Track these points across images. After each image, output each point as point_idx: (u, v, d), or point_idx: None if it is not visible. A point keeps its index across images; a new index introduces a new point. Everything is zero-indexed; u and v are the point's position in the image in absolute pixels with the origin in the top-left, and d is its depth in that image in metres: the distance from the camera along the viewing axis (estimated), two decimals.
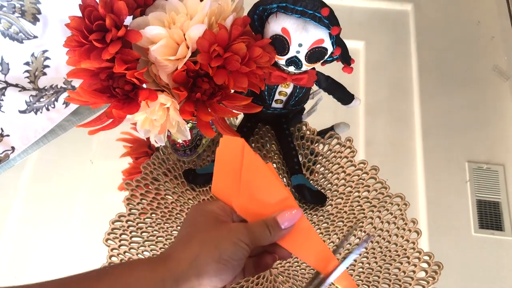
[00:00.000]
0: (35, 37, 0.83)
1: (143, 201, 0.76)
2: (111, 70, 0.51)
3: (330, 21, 0.55)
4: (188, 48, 0.53)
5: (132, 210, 0.75)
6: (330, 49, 0.59)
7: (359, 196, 0.75)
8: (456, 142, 1.73)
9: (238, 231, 0.39)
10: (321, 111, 0.85)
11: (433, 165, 1.69)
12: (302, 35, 0.56)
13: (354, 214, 0.74)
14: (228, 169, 0.44)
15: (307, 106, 0.79)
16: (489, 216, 1.62)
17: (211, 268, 0.35)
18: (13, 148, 0.82)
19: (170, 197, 0.76)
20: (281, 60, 0.61)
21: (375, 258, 0.72)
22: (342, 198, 0.76)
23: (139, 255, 0.73)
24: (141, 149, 0.93)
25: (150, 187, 0.76)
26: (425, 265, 0.71)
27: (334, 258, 0.44)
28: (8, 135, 0.82)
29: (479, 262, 1.55)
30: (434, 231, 1.57)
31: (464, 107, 1.79)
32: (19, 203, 1.59)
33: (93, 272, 0.34)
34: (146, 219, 0.75)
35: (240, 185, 0.43)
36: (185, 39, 0.52)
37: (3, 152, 0.81)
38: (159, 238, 0.74)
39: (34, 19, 0.81)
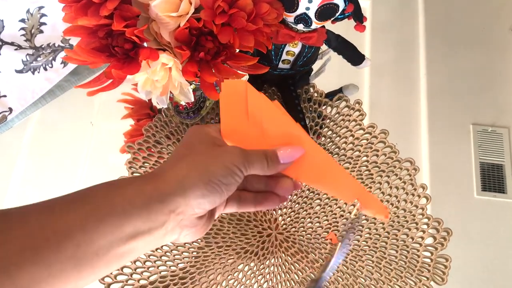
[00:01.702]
0: None
1: (145, 164, 0.74)
2: (109, 28, 0.49)
3: None
4: (191, 3, 0.50)
5: (134, 174, 0.74)
6: (341, 5, 0.56)
7: (367, 161, 0.73)
8: (462, 104, 1.71)
9: (233, 154, 0.37)
10: (325, 72, 0.82)
11: (438, 127, 1.68)
12: None
13: (362, 179, 0.73)
14: (235, 113, 0.42)
15: (315, 67, 0.76)
16: (491, 179, 1.62)
17: (198, 189, 0.34)
18: (10, 109, 0.79)
19: None
20: (290, 18, 0.58)
21: (383, 223, 0.71)
22: (350, 163, 0.74)
23: None
24: (142, 111, 0.91)
25: (152, 150, 0.74)
26: (433, 231, 0.70)
27: (358, 184, 0.43)
28: (5, 96, 0.79)
29: (480, 225, 1.56)
30: (437, 193, 1.57)
31: (471, 68, 1.76)
32: (22, 163, 1.59)
33: (78, 193, 0.33)
34: None
35: (248, 126, 0.42)
36: None
37: (0, 113, 0.79)
38: None
39: None
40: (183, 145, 0.39)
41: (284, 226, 0.71)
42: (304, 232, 0.71)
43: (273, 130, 0.42)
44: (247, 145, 0.40)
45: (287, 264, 0.69)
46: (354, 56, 0.69)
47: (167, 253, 0.69)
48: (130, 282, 0.68)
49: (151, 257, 0.69)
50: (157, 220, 0.33)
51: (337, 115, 0.76)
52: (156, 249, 0.69)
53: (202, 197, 0.34)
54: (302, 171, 0.42)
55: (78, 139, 1.63)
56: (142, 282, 0.68)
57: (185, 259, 0.69)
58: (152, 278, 0.68)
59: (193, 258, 0.69)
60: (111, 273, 0.67)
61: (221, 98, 0.43)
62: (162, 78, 0.54)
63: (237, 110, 0.42)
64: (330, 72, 0.83)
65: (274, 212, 0.71)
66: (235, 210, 0.43)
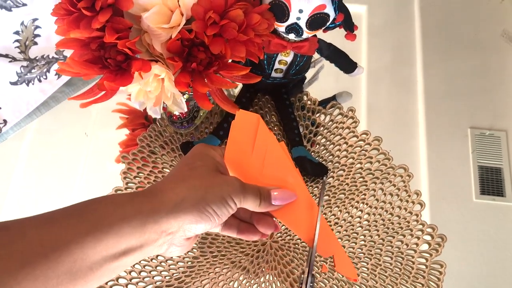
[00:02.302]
0: (24, 4, 0.79)
1: (140, 174, 0.74)
2: (102, 40, 0.49)
3: None
4: (182, 15, 0.50)
5: (129, 184, 0.74)
6: (332, 15, 0.56)
7: (361, 168, 0.74)
8: (459, 108, 1.71)
9: (233, 186, 0.38)
10: (322, 79, 0.82)
11: (435, 131, 1.68)
12: (303, 1, 0.53)
13: (356, 186, 0.73)
14: (242, 143, 0.44)
15: (308, 75, 0.77)
16: (490, 182, 1.62)
17: (191, 215, 0.35)
18: (5, 121, 0.80)
19: (167, 171, 0.74)
20: (281, 27, 0.58)
21: (377, 230, 0.71)
22: (344, 170, 0.74)
23: None
24: (137, 121, 0.91)
25: (147, 160, 0.75)
26: (428, 238, 0.70)
27: (338, 243, 0.45)
28: None
29: (479, 228, 1.56)
30: (435, 197, 1.57)
31: (468, 72, 1.76)
32: (19, 173, 1.59)
33: (77, 207, 0.34)
34: None
35: (251, 159, 0.43)
36: (179, 5, 0.50)
37: None
38: None
39: None
40: (186, 165, 0.40)
41: (279, 234, 0.71)
42: (299, 240, 0.71)
43: (273, 169, 0.43)
44: (244, 177, 0.41)
45: (282, 273, 0.69)
46: (346, 64, 0.70)
47: (162, 263, 0.69)
48: None
49: (146, 267, 0.69)
50: (149, 239, 0.34)
51: (330, 122, 0.76)
52: (151, 260, 0.69)
53: (194, 223, 0.36)
54: (288, 215, 0.43)
55: (75, 149, 1.63)
56: None
57: (180, 269, 0.69)
58: None
59: (188, 268, 0.69)
60: (107, 284, 0.67)
61: (233, 126, 0.44)
62: (155, 89, 0.54)
63: (245, 141, 0.44)
64: (326, 78, 0.84)
65: None
66: (218, 231, 0.44)
